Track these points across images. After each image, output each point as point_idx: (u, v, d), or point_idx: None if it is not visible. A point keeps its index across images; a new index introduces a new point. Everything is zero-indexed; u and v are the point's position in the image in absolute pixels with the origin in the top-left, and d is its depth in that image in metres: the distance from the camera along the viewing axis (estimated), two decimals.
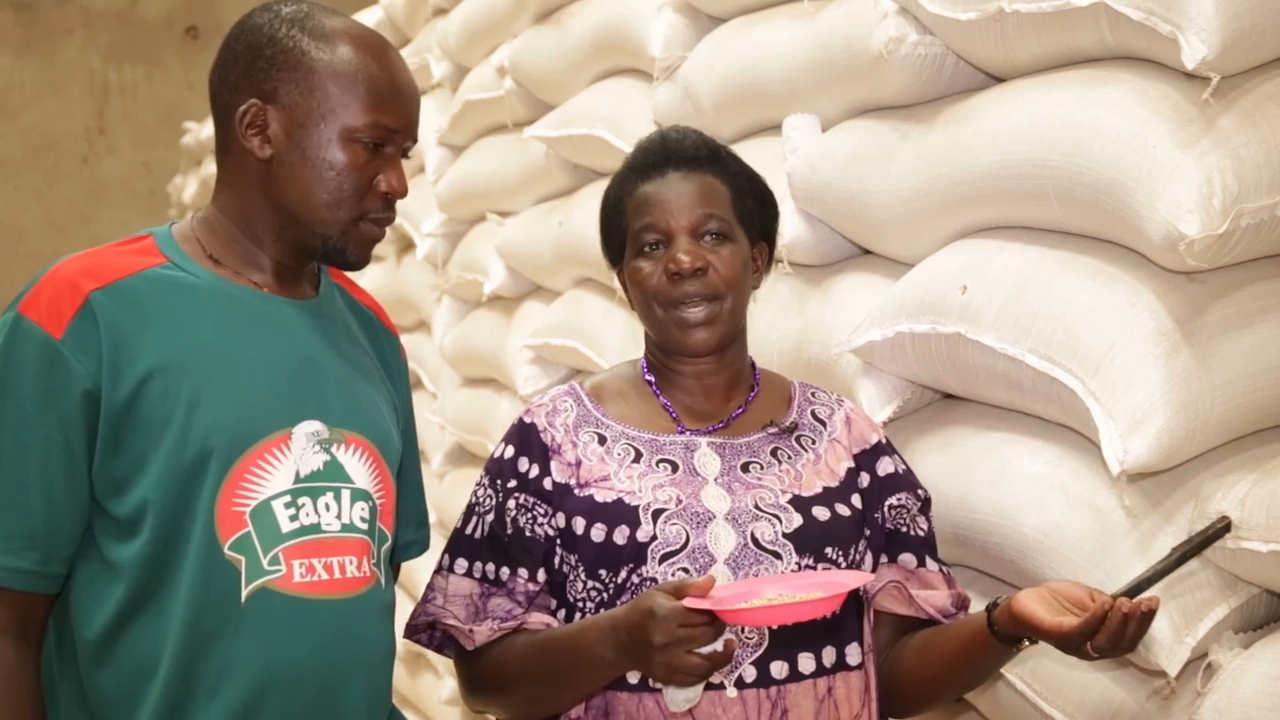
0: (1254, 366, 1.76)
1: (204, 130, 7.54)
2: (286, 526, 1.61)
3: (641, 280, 1.82)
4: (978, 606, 2.01)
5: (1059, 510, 1.84)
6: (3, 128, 9.04)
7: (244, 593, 1.59)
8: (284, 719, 1.60)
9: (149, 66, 9.27)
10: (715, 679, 1.69)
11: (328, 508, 1.64)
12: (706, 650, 1.56)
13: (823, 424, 1.88)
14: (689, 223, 1.80)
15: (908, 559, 1.84)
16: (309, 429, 1.64)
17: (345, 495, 1.66)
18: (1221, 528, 1.66)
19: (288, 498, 1.61)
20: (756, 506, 1.76)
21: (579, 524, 1.76)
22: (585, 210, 3.15)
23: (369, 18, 5.05)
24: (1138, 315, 1.77)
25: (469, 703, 1.85)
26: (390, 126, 1.65)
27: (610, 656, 1.64)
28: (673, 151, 1.85)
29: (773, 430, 1.85)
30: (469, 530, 1.83)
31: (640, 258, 1.83)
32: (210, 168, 7.38)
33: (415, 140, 1.71)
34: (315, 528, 1.63)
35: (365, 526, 1.67)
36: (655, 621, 1.56)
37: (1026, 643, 1.66)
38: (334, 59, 1.62)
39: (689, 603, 1.54)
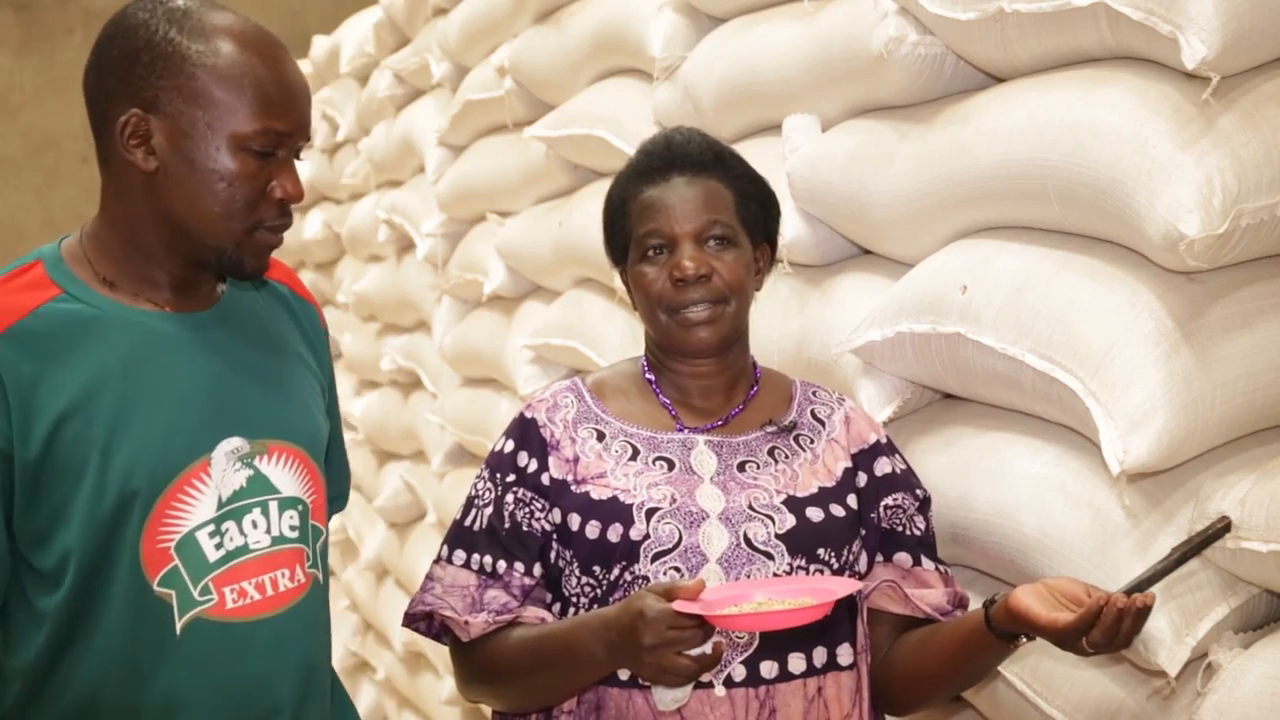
0: (1254, 366, 1.76)
1: None
2: (213, 555, 1.58)
3: (646, 285, 1.83)
4: (977, 605, 2.01)
5: (1059, 510, 1.84)
6: (3, 128, 9.04)
7: (178, 625, 1.56)
8: None
9: None
10: (704, 678, 1.70)
11: (255, 525, 1.61)
12: (695, 652, 1.58)
13: (821, 423, 1.88)
14: (693, 228, 1.81)
15: (903, 558, 1.84)
16: (228, 447, 1.59)
17: (273, 506, 1.63)
18: (1221, 528, 1.66)
19: (211, 526, 1.58)
20: (750, 507, 1.77)
21: (574, 520, 1.78)
22: (585, 210, 3.15)
23: (369, 18, 5.05)
24: (1138, 315, 1.77)
25: (464, 693, 1.87)
26: (281, 131, 1.56)
27: (601, 654, 1.65)
28: (677, 155, 1.85)
29: (771, 429, 1.85)
30: (468, 522, 1.84)
31: (644, 262, 1.83)
32: None
33: (308, 139, 1.62)
34: (243, 549, 1.60)
35: (296, 534, 1.65)
36: (645, 623, 1.57)
37: (1023, 639, 1.66)
38: (217, 62, 1.53)
39: (678, 606, 1.56)
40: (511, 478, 1.83)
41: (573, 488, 1.80)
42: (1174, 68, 1.78)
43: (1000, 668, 1.92)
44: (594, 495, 1.78)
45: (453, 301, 4.23)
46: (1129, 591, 1.61)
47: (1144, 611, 1.55)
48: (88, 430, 1.51)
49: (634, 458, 1.81)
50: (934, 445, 2.10)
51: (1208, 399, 1.73)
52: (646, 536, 1.74)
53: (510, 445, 1.86)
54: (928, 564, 1.85)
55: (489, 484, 1.84)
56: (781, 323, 2.42)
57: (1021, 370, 1.88)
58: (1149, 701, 1.76)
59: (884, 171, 2.20)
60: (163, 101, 1.54)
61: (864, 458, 1.87)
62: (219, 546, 1.58)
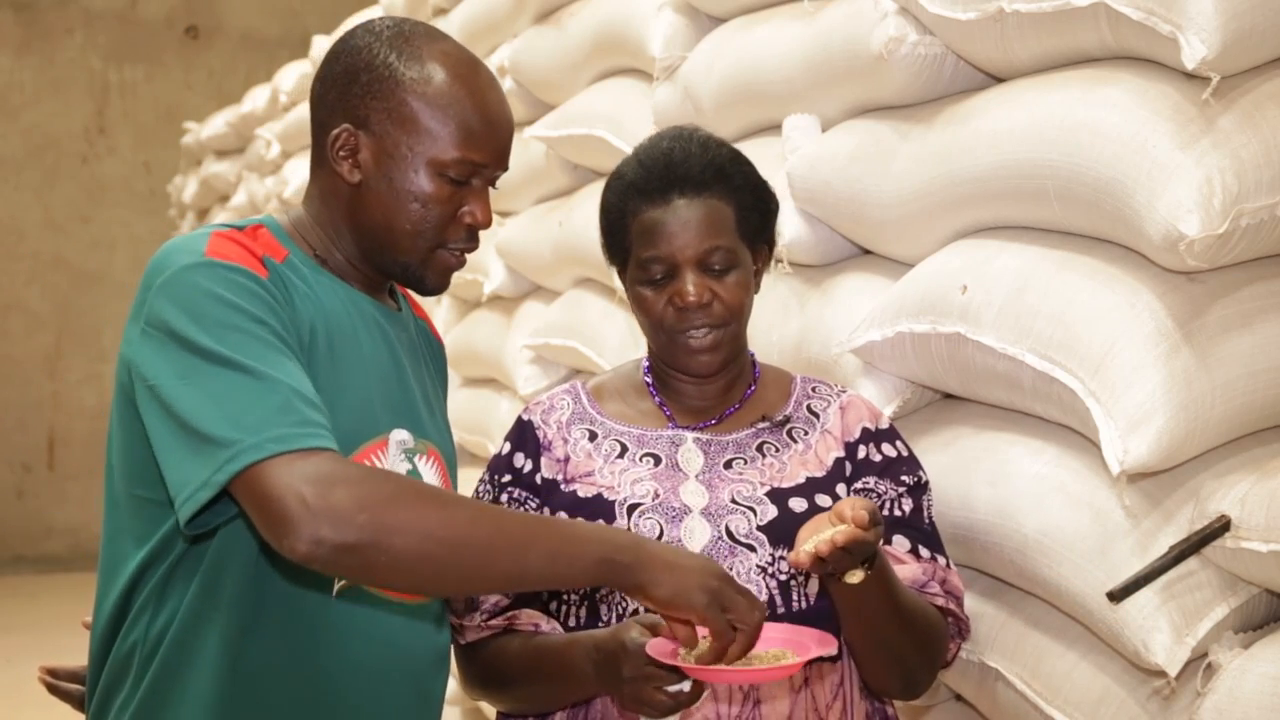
0: (1254, 366, 1.77)
1: (204, 130, 7.54)
2: None
3: (647, 308, 1.83)
4: (981, 607, 2.01)
5: (1059, 510, 1.84)
6: (3, 128, 9.04)
7: (336, 585, 1.59)
8: (347, 712, 1.60)
9: (149, 66, 9.28)
10: None
11: None
12: (673, 689, 1.59)
13: (816, 416, 1.88)
14: (694, 255, 1.79)
15: None
16: (399, 437, 1.64)
17: None
18: (1220, 526, 1.66)
19: None
20: (733, 500, 1.78)
21: (562, 518, 1.78)
22: (585, 210, 3.15)
23: (369, 18, 5.04)
24: (1138, 315, 1.77)
25: (468, 693, 1.88)
26: (478, 161, 1.63)
27: (591, 674, 1.67)
28: (677, 175, 1.81)
29: (762, 425, 1.85)
30: None
31: (645, 285, 1.83)
32: (210, 167, 7.38)
33: (505, 169, 1.69)
34: None
35: None
36: (625, 655, 1.60)
37: (857, 573, 1.63)
38: (426, 90, 1.61)
39: (650, 650, 1.57)
40: (507, 478, 1.86)
41: (562, 487, 1.82)
42: (1174, 68, 1.78)
43: (1000, 668, 1.92)
44: (580, 493, 1.80)
45: (453, 301, 4.24)
46: (1125, 588, 1.62)
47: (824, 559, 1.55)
48: (312, 371, 1.56)
49: (621, 455, 1.83)
50: (934, 445, 2.09)
51: (1208, 399, 1.73)
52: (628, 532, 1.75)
53: (508, 448, 1.89)
54: (901, 541, 1.81)
55: (488, 485, 1.88)
56: (781, 323, 2.42)
57: (1021, 370, 1.88)
58: (1149, 701, 1.76)
59: (884, 171, 2.20)
60: (373, 121, 1.62)
61: (853, 447, 1.86)
62: None
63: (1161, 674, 1.70)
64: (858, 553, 1.58)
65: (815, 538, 1.56)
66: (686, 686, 1.59)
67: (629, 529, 1.75)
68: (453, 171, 1.62)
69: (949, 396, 2.20)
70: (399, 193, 1.62)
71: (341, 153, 1.63)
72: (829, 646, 1.61)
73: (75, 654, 1.85)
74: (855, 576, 1.63)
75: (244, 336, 1.48)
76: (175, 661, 1.55)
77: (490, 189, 1.69)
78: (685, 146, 1.84)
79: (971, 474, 1.99)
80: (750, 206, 1.84)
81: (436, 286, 1.69)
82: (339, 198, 1.65)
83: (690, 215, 1.80)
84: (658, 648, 1.57)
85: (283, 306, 1.54)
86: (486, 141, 1.64)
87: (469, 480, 2.12)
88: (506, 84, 3.66)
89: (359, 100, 1.62)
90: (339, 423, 1.56)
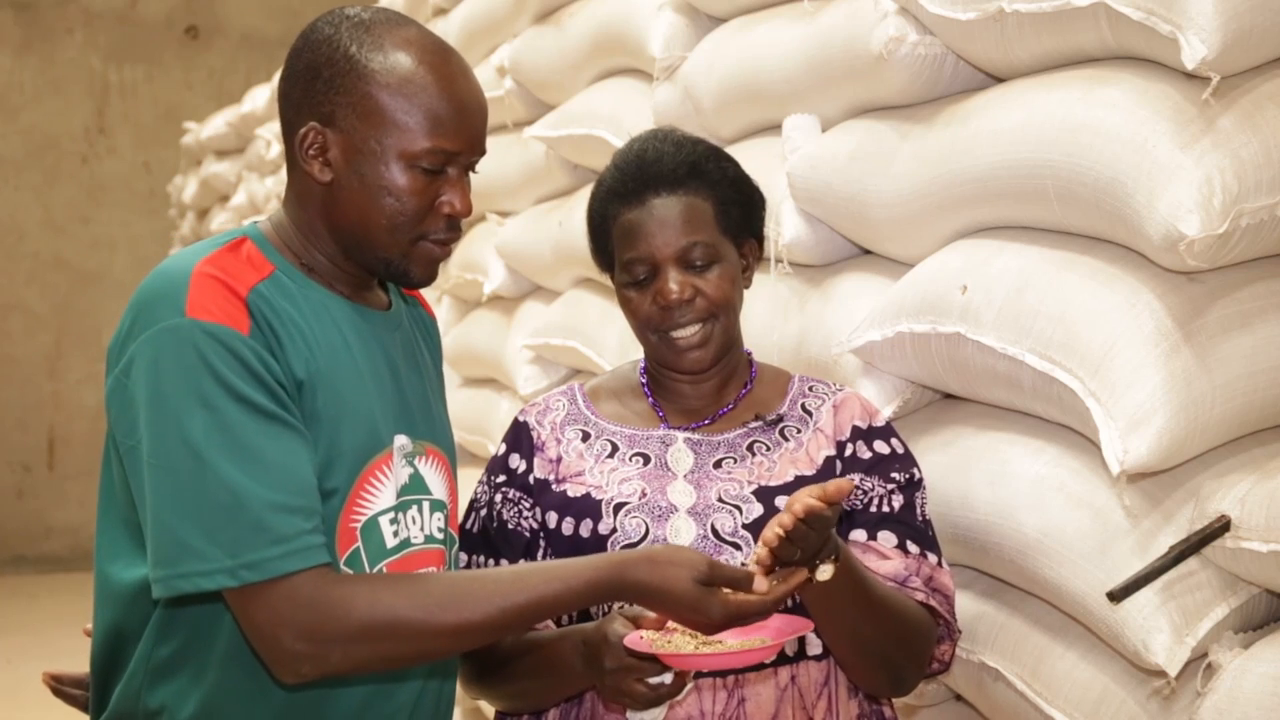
0: (1254, 366, 1.77)
1: (204, 130, 7.54)
2: (390, 542, 1.60)
3: (633, 309, 1.84)
4: (981, 607, 2.01)
5: (1059, 510, 1.84)
6: (3, 128, 9.04)
7: None
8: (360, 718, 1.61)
9: (149, 66, 9.28)
10: None
11: (414, 521, 1.63)
12: (654, 680, 1.60)
13: (809, 414, 1.88)
14: (674, 252, 1.80)
15: (858, 534, 1.80)
16: (399, 443, 1.62)
17: (426, 507, 1.65)
18: (1220, 526, 1.66)
19: (392, 514, 1.60)
20: (720, 499, 1.78)
21: (552, 518, 1.82)
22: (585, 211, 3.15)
23: None
24: (1138, 315, 1.77)
25: (466, 690, 1.89)
26: (450, 150, 1.58)
27: (580, 668, 1.69)
28: (651, 175, 1.82)
29: (755, 424, 1.85)
30: (468, 525, 1.89)
31: (630, 287, 1.84)
32: (210, 167, 7.39)
33: (483, 153, 1.65)
34: (407, 542, 1.62)
35: (441, 536, 1.68)
36: (607, 647, 1.61)
37: (818, 570, 1.63)
38: (390, 80, 1.56)
39: (628, 642, 1.58)
40: (502, 479, 1.87)
41: (553, 486, 1.84)
42: (1174, 68, 1.78)
43: (999, 667, 1.92)
44: (570, 493, 1.82)
45: (453, 301, 4.24)
46: (1125, 588, 1.62)
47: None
48: (313, 404, 1.54)
49: (612, 455, 1.84)
50: (934, 445, 2.10)
51: (1207, 399, 1.73)
52: (614, 530, 1.77)
53: (503, 448, 1.91)
54: (887, 536, 1.79)
55: (485, 486, 1.89)
56: (781, 323, 2.42)
57: (1021, 370, 1.88)
58: (1149, 701, 1.76)
59: (884, 171, 2.20)
60: (338, 117, 1.57)
61: (844, 444, 1.85)
62: (395, 535, 1.61)
63: (1161, 674, 1.70)
64: (819, 527, 1.55)
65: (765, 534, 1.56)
66: (668, 679, 1.59)
67: (615, 527, 1.77)
68: (425, 162, 1.57)
69: (949, 396, 2.20)
70: (371, 189, 1.57)
71: (310, 152, 1.58)
72: (804, 628, 1.62)
73: (76, 654, 1.85)
74: (824, 574, 1.62)
75: (220, 420, 1.45)
76: (182, 680, 1.54)
77: (470, 174, 1.64)
78: (659, 146, 1.86)
79: (971, 474, 1.99)
80: (730, 200, 1.84)
81: (423, 279, 1.65)
82: (313, 198, 1.61)
83: (667, 213, 1.81)
84: (637, 639, 1.58)
85: (269, 361, 1.49)
86: (457, 128, 1.58)
87: (469, 480, 2.12)
88: (506, 84, 3.66)
89: (323, 96, 1.57)
90: (347, 445, 1.55)
